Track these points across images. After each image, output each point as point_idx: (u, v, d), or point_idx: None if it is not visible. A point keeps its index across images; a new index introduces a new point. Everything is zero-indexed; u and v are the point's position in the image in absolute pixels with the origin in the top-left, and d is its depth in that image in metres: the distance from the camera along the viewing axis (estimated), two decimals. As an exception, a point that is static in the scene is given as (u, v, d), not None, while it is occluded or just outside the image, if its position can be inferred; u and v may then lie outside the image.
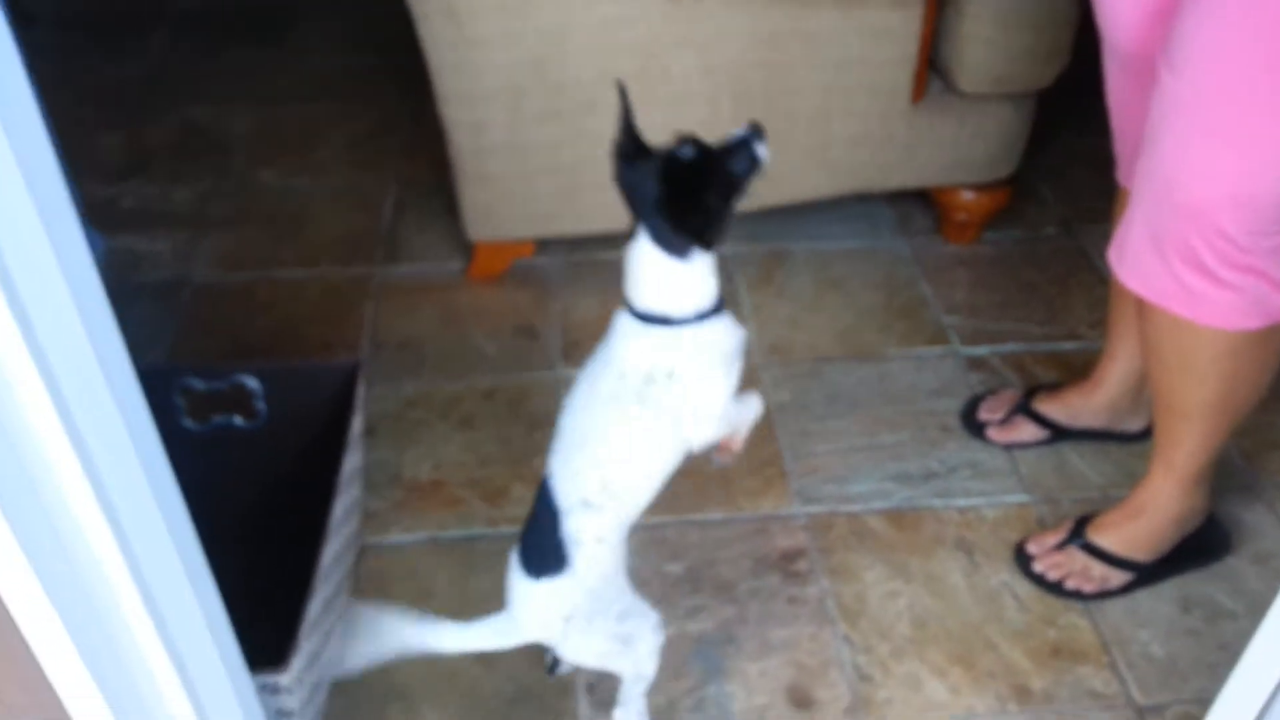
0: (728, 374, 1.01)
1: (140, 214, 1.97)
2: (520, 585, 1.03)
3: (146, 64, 2.43)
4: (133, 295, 1.77)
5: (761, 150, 0.96)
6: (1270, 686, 0.93)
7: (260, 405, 1.32)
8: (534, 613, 1.04)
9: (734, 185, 0.96)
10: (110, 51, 2.45)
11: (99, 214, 1.93)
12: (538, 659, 1.26)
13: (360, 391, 1.29)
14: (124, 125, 2.21)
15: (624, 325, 1.01)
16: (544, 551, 1.00)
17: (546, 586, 1.01)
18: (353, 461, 1.28)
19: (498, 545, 1.38)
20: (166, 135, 2.19)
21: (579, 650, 1.07)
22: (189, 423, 1.31)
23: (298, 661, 1.03)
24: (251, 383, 1.31)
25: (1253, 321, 1.10)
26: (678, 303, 0.97)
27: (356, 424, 1.28)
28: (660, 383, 0.98)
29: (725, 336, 1.00)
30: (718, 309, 0.99)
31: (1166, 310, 1.12)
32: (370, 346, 1.69)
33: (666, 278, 0.96)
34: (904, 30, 1.61)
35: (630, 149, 0.98)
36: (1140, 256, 1.11)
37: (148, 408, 0.73)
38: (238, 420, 1.33)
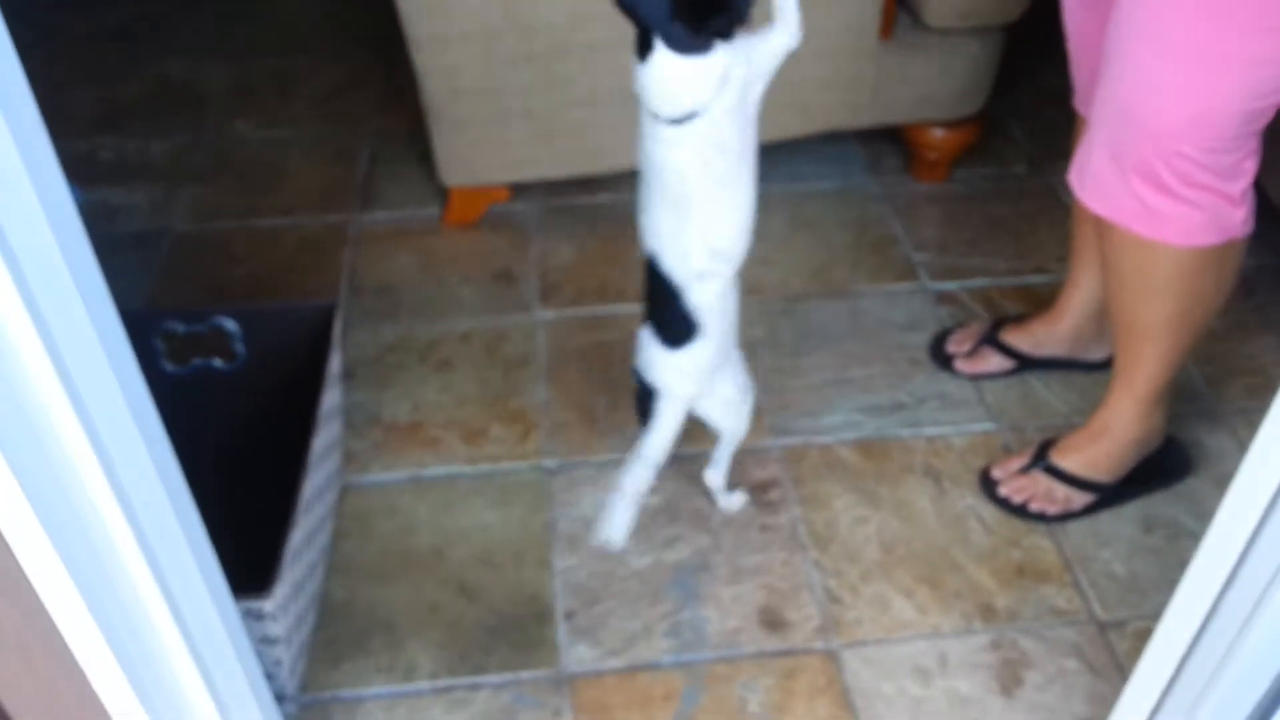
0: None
1: (116, 167, 1.97)
2: (662, 358, 1.17)
3: (118, 18, 2.41)
4: (111, 246, 1.76)
5: None
6: (1214, 593, 0.98)
7: (239, 347, 1.34)
8: (681, 378, 1.18)
9: None
10: (81, 6, 2.43)
11: (75, 167, 1.91)
12: (517, 592, 1.29)
13: (337, 330, 1.31)
14: (97, 80, 2.20)
15: (660, 133, 1.04)
16: (676, 324, 1.14)
17: (687, 353, 1.15)
18: (331, 398, 1.30)
19: (477, 483, 1.42)
20: (140, 89, 2.18)
21: (714, 402, 1.22)
22: (169, 365, 1.33)
23: (281, 589, 1.06)
24: (230, 325, 1.33)
25: (1211, 238, 1.13)
26: (708, 93, 1.01)
27: (334, 361, 1.30)
28: (715, 161, 1.05)
29: (734, 96, 1.02)
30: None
31: (1126, 229, 1.14)
32: (348, 292, 1.71)
33: (693, 78, 1.00)
34: (872, -33, 1.62)
35: None
36: (1100, 177, 1.14)
37: (132, 350, 0.75)
38: (217, 362, 1.35)
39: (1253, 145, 1.08)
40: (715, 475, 1.35)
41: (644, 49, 1.00)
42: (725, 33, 0.98)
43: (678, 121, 1.03)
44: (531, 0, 1.59)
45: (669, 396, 1.20)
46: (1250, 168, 1.10)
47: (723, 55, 1.00)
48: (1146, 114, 1.06)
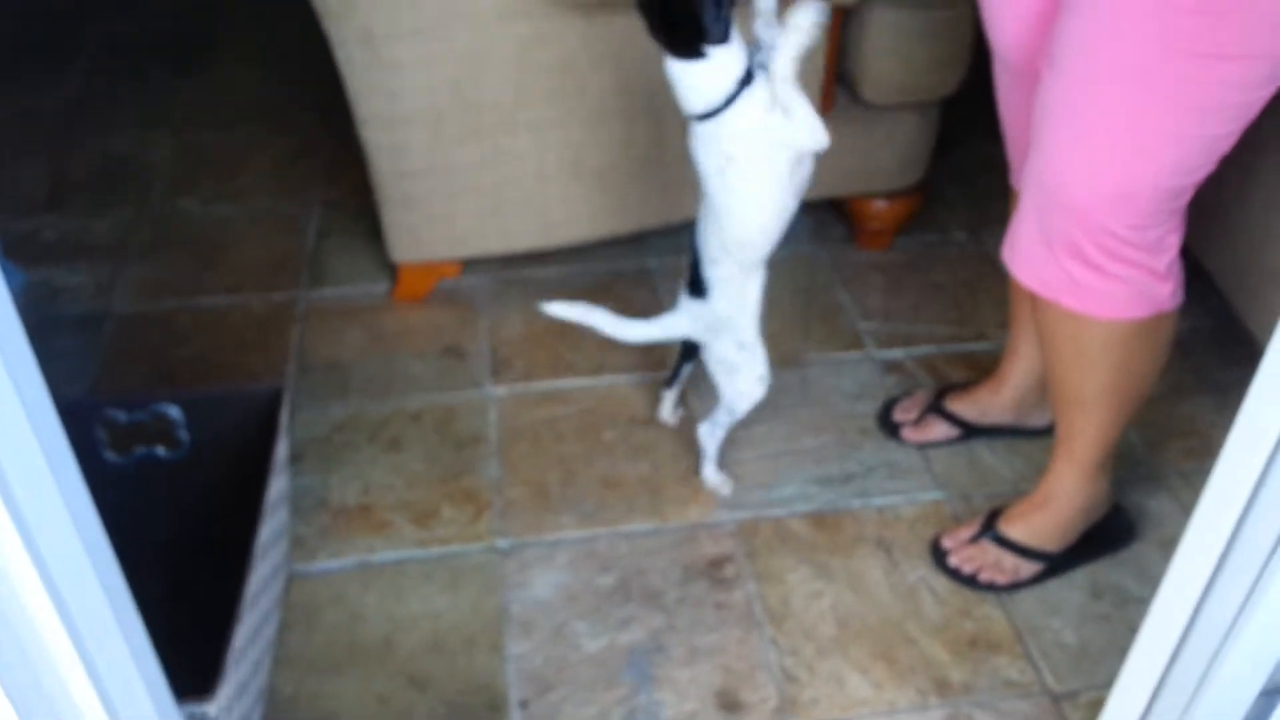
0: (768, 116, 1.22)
1: (60, 246, 1.95)
2: (684, 299, 1.41)
3: (65, 94, 2.40)
4: (54, 328, 1.76)
5: None
6: (1164, 662, 0.99)
7: (183, 434, 1.32)
8: (688, 318, 1.41)
9: None
10: (29, 82, 2.41)
11: (18, 247, 1.90)
12: (469, 681, 1.27)
13: (284, 415, 1.30)
14: (43, 156, 2.18)
15: (691, 127, 1.25)
16: (697, 282, 1.37)
17: (697, 304, 1.38)
18: (278, 486, 1.28)
19: (428, 567, 1.40)
20: (87, 165, 2.17)
21: (710, 353, 1.43)
22: (111, 455, 1.31)
23: (225, 690, 1.03)
24: (173, 412, 1.31)
25: (1139, 311, 1.16)
26: (715, 95, 1.19)
27: (281, 448, 1.28)
28: (727, 169, 1.25)
29: (750, 107, 1.21)
30: (742, 86, 1.20)
31: (1057, 303, 1.17)
32: (296, 371, 1.69)
33: (693, 81, 1.20)
34: (811, 46, 1.66)
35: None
36: (1030, 252, 1.17)
37: (69, 443, 0.74)
38: (160, 451, 1.32)
39: (1176, 221, 1.12)
40: (706, 434, 1.48)
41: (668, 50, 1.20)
42: (703, 36, 1.16)
43: (700, 119, 1.22)
44: (477, 79, 1.61)
45: (672, 317, 1.43)
46: (1174, 242, 1.14)
47: (726, 58, 1.17)
48: (1071, 192, 1.09)
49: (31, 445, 0.69)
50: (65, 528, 0.74)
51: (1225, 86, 1.00)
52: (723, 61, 1.18)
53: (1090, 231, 1.10)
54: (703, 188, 1.29)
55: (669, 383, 1.58)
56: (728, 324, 1.38)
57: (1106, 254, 1.11)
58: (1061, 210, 1.11)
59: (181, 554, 1.26)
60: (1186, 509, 0.89)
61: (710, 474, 1.50)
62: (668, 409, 1.60)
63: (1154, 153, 1.05)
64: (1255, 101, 1.02)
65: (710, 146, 1.24)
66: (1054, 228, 1.13)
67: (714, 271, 1.34)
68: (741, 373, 1.41)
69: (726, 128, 1.21)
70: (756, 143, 1.22)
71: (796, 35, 1.17)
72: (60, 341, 1.73)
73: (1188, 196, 1.10)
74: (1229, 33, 0.96)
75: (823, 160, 1.82)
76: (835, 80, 1.72)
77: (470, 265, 1.86)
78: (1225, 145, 1.05)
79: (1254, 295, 1.49)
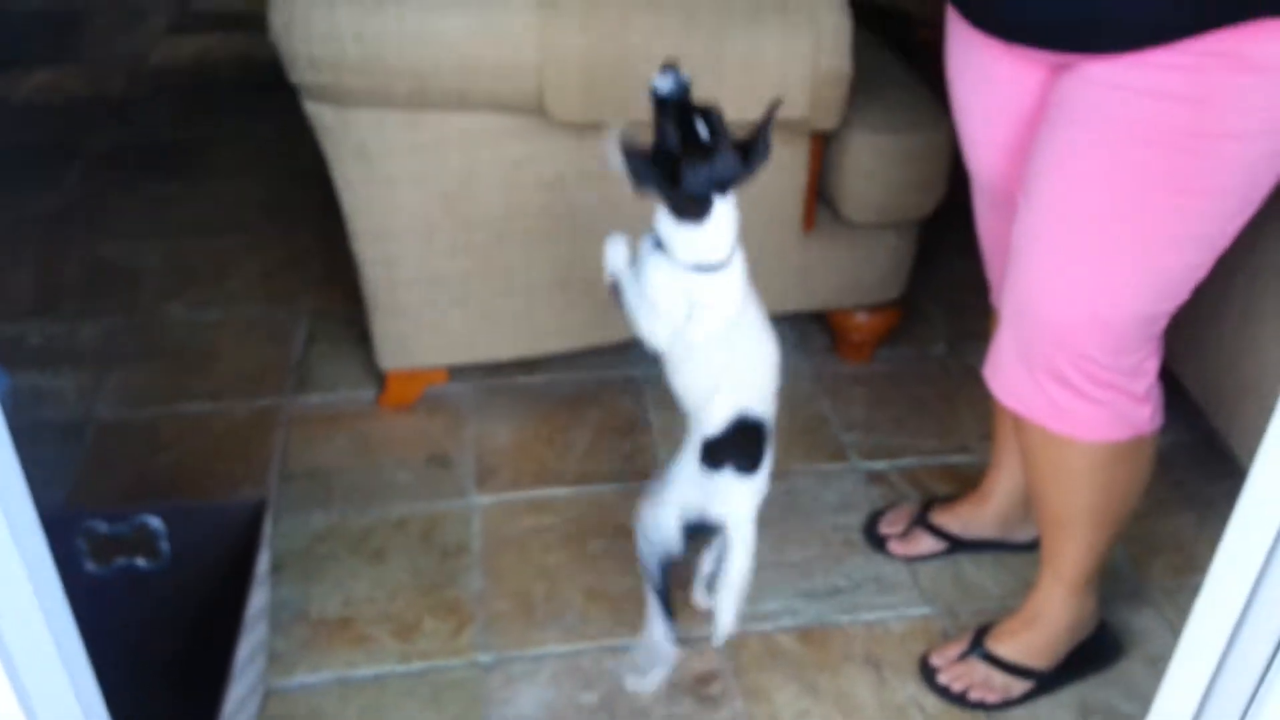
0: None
1: (46, 351, 1.95)
2: (742, 488, 1.28)
3: (59, 200, 2.43)
4: (35, 435, 1.73)
5: (685, 77, 1.13)
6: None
7: (164, 546, 1.30)
8: (756, 496, 1.30)
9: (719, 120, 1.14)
10: (23, 188, 2.45)
11: (4, 351, 1.90)
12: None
13: (267, 528, 1.29)
14: (34, 262, 2.20)
15: (700, 284, 1.20)
16: (761, 452, 1.27)
17: (763, 471, 1.28)
18: (258, 600, 1.26)
19: (409, 683, 1.37)
20: (76, 271, 2.18)
21: (750, 528, 1.30)
22: (91, 565, 1.29)
23: (199, 815, 1.00)
24: (155, 523, 1.30)
25: (1119, 434, 1.18)
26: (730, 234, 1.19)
27: (263, 562, 1.27)
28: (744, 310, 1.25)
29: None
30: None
31: (1038, 424, 1.19)
32: (278, 479, 1.68)
33: (731, 216, 1.17)
34: (793, 164, 1.71)
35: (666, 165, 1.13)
36: (1011, 374, 1.19)
37: (50, 555, 0.73)
38: (140, 562, 1.30)
39: (1153, 346, 1.15)
40: (728, 601, 1.32)
41: (704, 212, 1.16)
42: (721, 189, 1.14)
43: (720, 266, 1.18)
44: (469, 195, 1.65)
45: (750, 521, 1.29)
46: (1152, 367, 1.16)
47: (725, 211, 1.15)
48: (1049, 318, 1.12)
49: (13, 557, 0.69)
50: (45, 645, 0.73)
51: (1195, 220, 1.03)
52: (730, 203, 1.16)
53: (1070, 356, 1.12)
54: (754, 345, 1.24)
55: (709, 582, 1.42)
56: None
57: (1086, 378, 1.13)
58: (1040, 335, 1.14)
59: (160, 666, 1.23)
60: (1172, 625, 0.90)
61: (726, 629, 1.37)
62: (704, 597, 1.45)
63: (1129, 283, 1.08)
64: (1226, 233, 1.05)
65: (729, 295, 1.20)
66: (1034, 352, 1.15)
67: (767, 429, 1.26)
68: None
69: (738, 269, 1.20)
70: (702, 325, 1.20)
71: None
72: (41, 446, 1.71)
73: (1164, 323, 1.13)
74: (1197, 168, 1.00)
75: (807, 274, 1.87)
76: (817, 200, 1.77)
77: (457, 372, 1.87)
78: (1199, 274, 1.09)
79: (1231, 409, 1.52)
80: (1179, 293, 1.10)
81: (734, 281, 1.20)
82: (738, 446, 1.25)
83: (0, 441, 0.67)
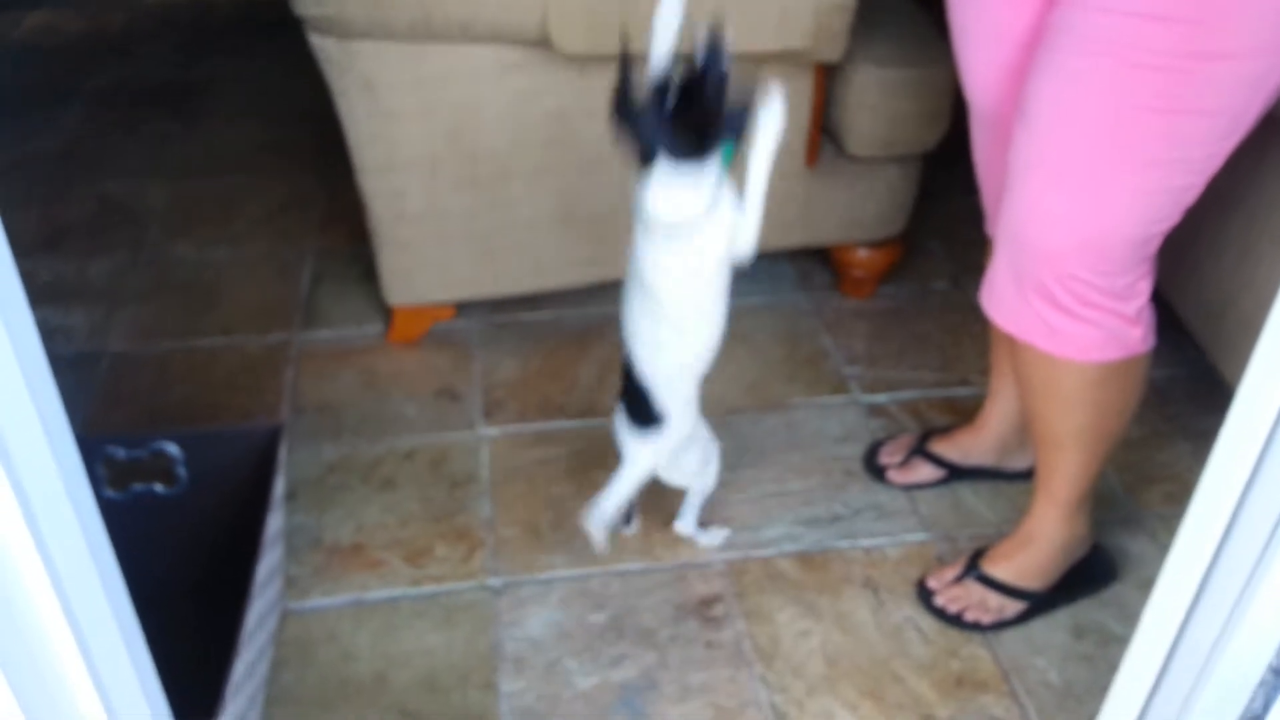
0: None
1: (55, 288, 1.97)
2: (630, 434, 1.33)
3: (60, 140, 2.43)
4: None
5: (729, 39, 1.09)
6: (1141, 701, 1.01)
7: (181, 471, 1.33)
8: (644, 453, 1.34)
9: (721, 85, 1.10)
10: (23, 128, 2.45)
11: (11, 288, 1.92)
12: (462, 718, 1.28)
13: (282, 452, 1.32)
14: (38, 201, 2.21)
15: (649, 246, 1.19)
16: (646, 413, 1.30)
17: (652, 437, 1.32)
18: (275, 522, 1.29)
19: (420, 605, 1.41)
20: (81, 210, 2.19)
21: (674, 471, 1.38)
22: (110, 491, 1.32)
23: (223, 721, 1.04)
24: (172, 449, 1.32)
25: (1111, 354, 1.20)
26: (700, 206, 1.14)
27: (279, 485, 1.30)
28: (689, 282, 1.22)
29: (725, 209, 1.17)
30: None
31: (1032, 345, 1.21)
32: (290, 412, 1.71)
33: (689, 189, 1.13)
34: (796, 99, 1.71)
35: (628, 90, 1.13)
36: (1005, 296, 1.21)
37: (86, 477, 0.76)
38: (158, 487, 1.34)
39: (1146, 268, 1.17)
40: (686, 524, 1.48)
41: (646, 160, 1.13)
42: (712, 138, 1.12)
43: (670, 235, 1.16)
44: (475, 128, 1.66)
45: (631, 464, 1.34)
46: (1144, 289, 1.18)
47: (712, 171, 1.13)
48: (1040, 239, 1.14)
49: (55, 478, 0.72)
50: (83, 556, 0.76)
51: (1186, 141, 1.05)
52: (714, 162, 1.14)
53: (1060, 278, 1.14)
54: (657, 307, 1.22)
55: (626, 520, 1.50)
56: (692, 437, 1.36)
57: (1077, 299, 1.16)
58: (1033, 257, 1.16)
59: (178, 590, 1.27)
60: (1165, 550, 0.93)
61: (712, 538, 1.50)
62: (634, 527, 1.52)
63: (1119, 204, 1.10)
64: (1216, 155, 1.07)
65: (680, 259, 1.18)
66: (1026, 273, 1.17)
67: (671, 395, 1.29)
68: (711, 463, 1.41)
69: (703, 235, 1.16)
70: (722, 245, 1.19)
71: (772, 126, 1.14)
72: (55, 381, 1.74)
73: (1155, 245, 1.15)
74: (1189, 89, 1.01)
75: (809, 209, 1.88)
76: (821, 134, 1.78)
77: (463, 308, 1.89)
78: (1189, 197, 1.10)
79: (1228, 343, 1.54)
80: (1170, 215, 1.12)
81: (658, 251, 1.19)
82: (625, 387, 1.32)
83: (43, 374, 0.70)
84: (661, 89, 1.10)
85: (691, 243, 1.17)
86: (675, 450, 1.35)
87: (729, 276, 1.22)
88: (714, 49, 1.08)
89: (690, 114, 1.10)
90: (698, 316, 1.24)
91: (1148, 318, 1.21)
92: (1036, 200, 1.13)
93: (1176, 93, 1.01)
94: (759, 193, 1.17)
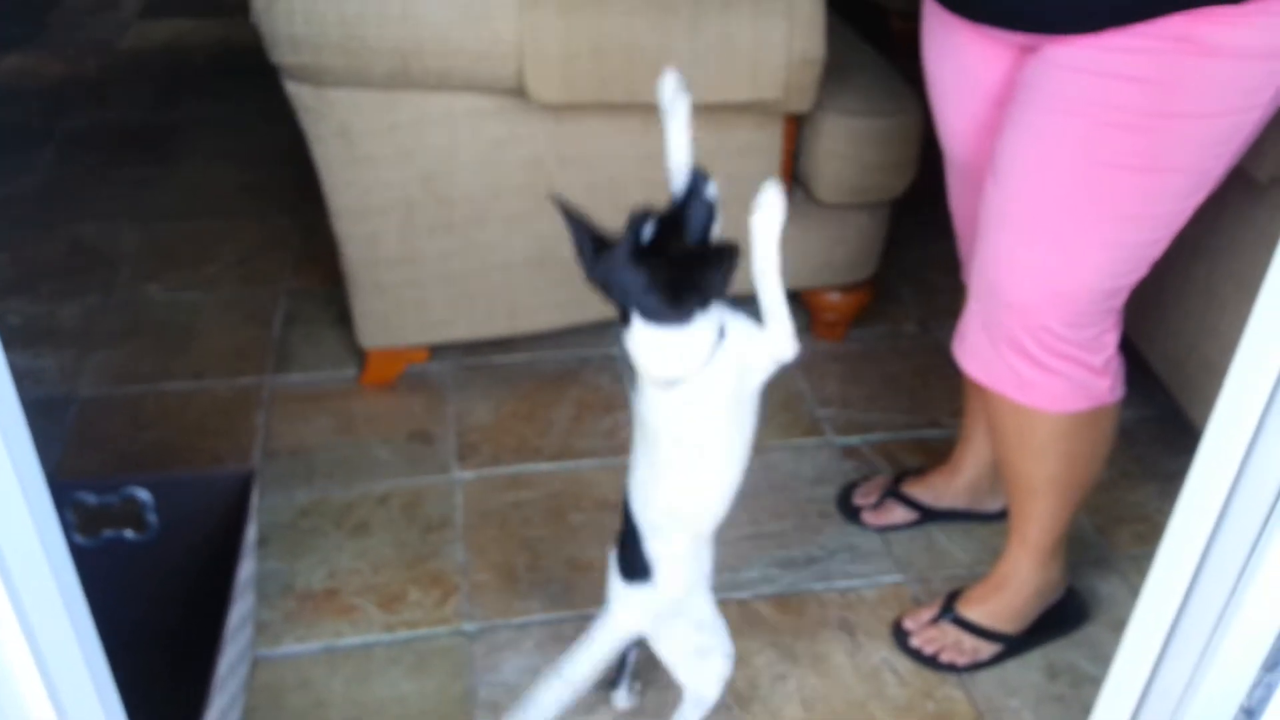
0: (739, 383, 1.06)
1: (25, 331, 1.95)
2: (615, 584, 1.17)
3: (34, 182, 2.42)
4: (14, 413, 1.74)
5: (711, 190, 0.99)
6: (1118, 738, 1.02)
7: (152, 517, 1.32)
8: (626, 609, 1.17)
9: (704, 238, 1.00)
10: (-4, 169, 2.44)
11: (-21, 332, 1.90)
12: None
13: (254, 498, 1.31)
14: (10, 243, 2.19)
15: (646, 391, 1.05)
16: (634, 561, 1.14)
17: (637, 590, 1.15)
18: (247, 569, 1.28)
19: (394, 651, 1.40)
20: (53, 252, 2.18)
21: (664, 644, 1.20)
22: (79, 537, 1.30)
23: (193, 773, 1.02)
24: (143, 495, 1.31)
25: (1079, 404, 1.23)
26: (692, 363, 1.00)
27: (251, 531, 1.29)
28: (688, 435, 1.06)
29: (727, 369, 1.03)
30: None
31: (1004, 396, 1.23)
32: (262, 456, 1.70)
33: (675, 347, 1.00)
34: (767, 147, 1.75)
35: (593, 246, 1.00)
36: (977, 346, 1.23)
37: (59, 525, 0.75)
38: (129, 533, 1.32)
39: (1112, 320, 1.19)
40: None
41: (624, 318, 1.00)
42: (698, 298, 0.98)
43: (665, 386, 1.02)
44: (450, 174, 1.67)
45: (608, 620, 1.18)
46: (1111, 341, 1.21)
47: (705, 325, 0.99)
48: (1011, 291, 1.16)
49: (26, 525, 0.71)
50: (55, 603, 0.76)
51: (1156, 197, 1.08)
52: (709, 319, 1.00)
53: (1031, 329, 1.16)
54: (654, 455, 1.08)
55: (614, 683, 1.31)
56: (683, 605, 1.18)
57: (1047, 350, 1.18)
58: (1004, 308, 1.18)
59: (148, 637, 1.25)
60: (1136, 591, 0.94)
61: None
62: (623, 698, 1.32)
63: (1089, 258, 1.12)
64: (1184, 210, 1.10)
65: (676, 412, 1.04)
66: (998, 325, 1.19)
67: (662, 548, 1.12)
68: (710, 655, 1.21)
69: (701, 390, 1.02)
70: (728, 391, 1.04)
71: (770, 216, 1.01)
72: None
73: (1123, 298, 1.18)
74: (1159, 147, 1.04)
75: (781, 254, 1.90)
76: (791, 180, 1.81)
77: (438, 351, 1.89)
78: (1155, 251, 1.13)
79: (1193, 387, 1.57)
80: (1137, 268, 1.14)
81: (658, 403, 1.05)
82: (622, 528, 1.16)
83: (15, 418, 0.70)
84: (635, 235, 0.98)
85: (693, 386, 1.02)
86: (662, 614, 1.18)
87: (752, 410, 1.08)
88: (696, 188, 0.99)
89: (669, 270, 0.97)
90: (699, 461, 1.08)
91: (1115, 368, 1.24)
92: (1007, 254, 1.15)
93: (1146, 151, 1.04)
94: (779, 301, 1.04)
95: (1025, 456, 1.28)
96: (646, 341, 1.00)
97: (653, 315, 0.98)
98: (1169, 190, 1.08)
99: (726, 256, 0.97)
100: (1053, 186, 1.10)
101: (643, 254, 0.97)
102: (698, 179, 1.00)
